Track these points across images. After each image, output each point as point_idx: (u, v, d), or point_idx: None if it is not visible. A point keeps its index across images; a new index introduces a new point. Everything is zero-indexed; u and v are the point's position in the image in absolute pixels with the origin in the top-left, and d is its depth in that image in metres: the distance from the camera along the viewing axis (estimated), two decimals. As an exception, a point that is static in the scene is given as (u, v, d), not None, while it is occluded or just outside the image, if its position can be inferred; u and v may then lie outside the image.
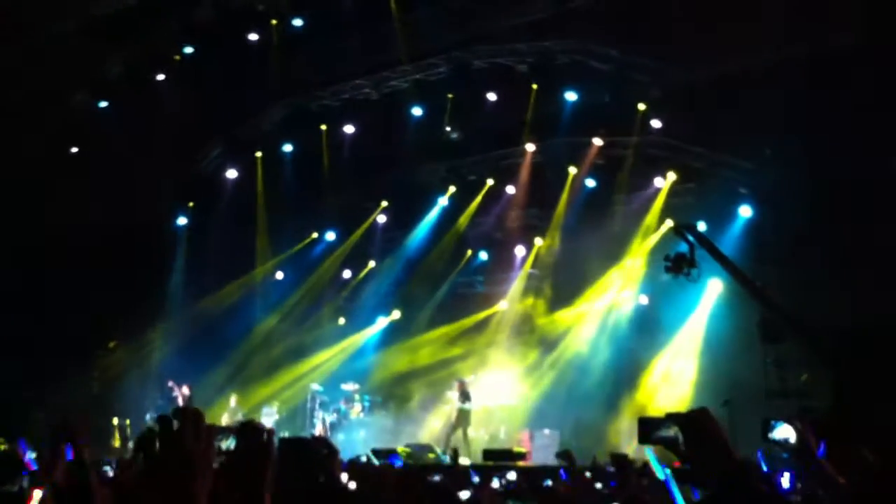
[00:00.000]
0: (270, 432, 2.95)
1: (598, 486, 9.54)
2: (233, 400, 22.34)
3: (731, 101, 18.67)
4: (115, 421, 21.65)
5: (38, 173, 20.22)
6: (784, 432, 3.49)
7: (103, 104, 22.52)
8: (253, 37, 22.49)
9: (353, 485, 6.10)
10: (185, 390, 21.73)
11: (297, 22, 22.37)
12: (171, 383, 21.82)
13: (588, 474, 10.34)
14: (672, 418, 2.95)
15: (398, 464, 15.34)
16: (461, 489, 6.37)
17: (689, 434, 2.86)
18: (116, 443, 21.46)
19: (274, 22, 22.37)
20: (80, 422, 4.56)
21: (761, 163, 19.70)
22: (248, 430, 2.95)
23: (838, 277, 17.21)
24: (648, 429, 3.04)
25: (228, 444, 2.96)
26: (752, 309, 18.26)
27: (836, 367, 15.41)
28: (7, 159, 19.40)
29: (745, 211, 20.53)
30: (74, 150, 22.48)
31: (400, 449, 17.91)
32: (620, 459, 11.59)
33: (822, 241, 18.11)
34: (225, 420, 21.19)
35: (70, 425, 4.46)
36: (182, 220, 25.58)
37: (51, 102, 21.09)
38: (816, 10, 17.02)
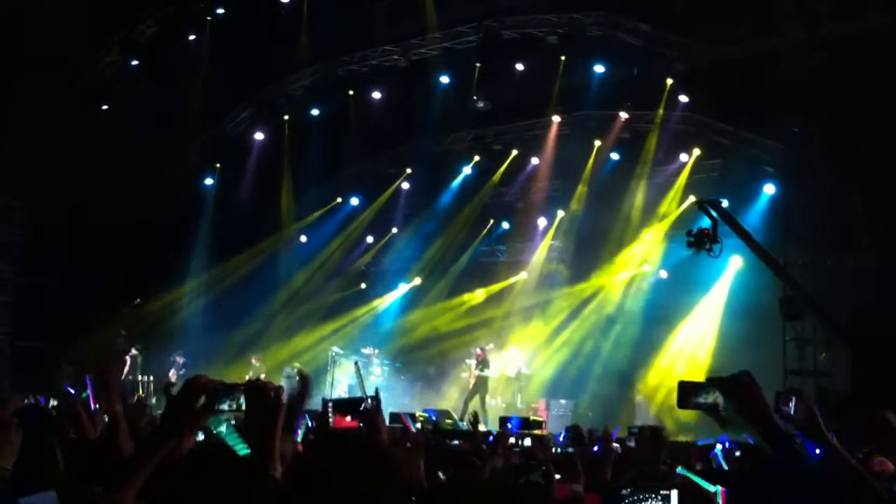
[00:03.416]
0: (279, 390, 3.04)
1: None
2: (254, 359, 22.60)
3: (758, 79, 18.62)
4: (140, 377, 21.97)
5: (69, 130, 20.39)
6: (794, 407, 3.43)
7: (135, 62, 22.61)
8: (284, 0, 22.53)
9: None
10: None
11: (328, -13, 22.38)
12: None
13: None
14: (714, 382, 2.91)
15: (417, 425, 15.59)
16: (478, 455, 6.51)
17: (732, 398, 2.85)
18: (140, 397, 21.78)
19: (305, -14, 22.43)
20: (110, 368, 4.70)
21: (787, 141, 19.64)
22: (255, 390, 3.06)
23: (861, 258, 17.24)
24: (688, 394, 2.96)
25: (240, 402, 3.05)
26: (772, 287, 18.29)
27: (855, 347, 15.50)
28: (39, 115, 19.58)
29: (770, 189, 20.47)
30: (105, 107, 22.61)
31: (418, 414, 18.11)
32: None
33: (845, 221, 18.11)
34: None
35: (101, 371, 4.59)
36: (209, 181, 25.75)
37: (84, 60, 21.25)
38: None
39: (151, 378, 22.11)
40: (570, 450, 10.32)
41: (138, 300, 23.44)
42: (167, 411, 3.11)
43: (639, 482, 5.03)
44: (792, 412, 3.00)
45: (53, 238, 21.03)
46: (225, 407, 3.04)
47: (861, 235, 17.50)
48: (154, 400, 21.39)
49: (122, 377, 19.82)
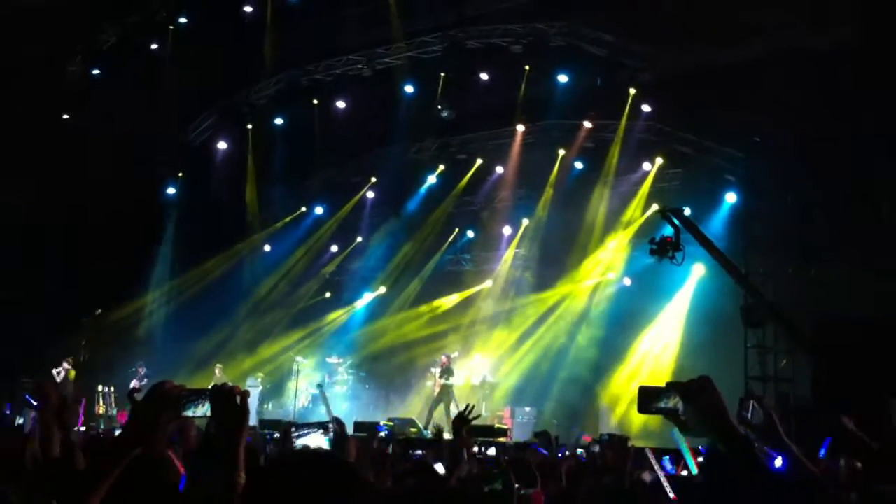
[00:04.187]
0: (244, 395, 3.00)
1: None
2: (218, 370, 22.43)
3: (721, 88, 18.80)
4: (100, 388, 21.72)
5: (30, 139, 20.17)
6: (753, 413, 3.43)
7: (97, 72, 22.42)
8: (248, 9, 22.46)
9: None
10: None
11: (292, -5, 22.37)
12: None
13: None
14: (674, 387, 2.93)
15: (384, 432, 15.60)
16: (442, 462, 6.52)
17: (690, 403, 2.86)
18: (101, 409, 21.55)
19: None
20: (52, 390, 4.61)
21: (749, 151, 19.87)
22: (221, 395, 3.03)
23: (821, 267, 17.45)
24: (648, 399, 2.99)
25: (204, 409, 3.01)
26: (734, 294, 18.50)
27: (816, 354, 15.67)
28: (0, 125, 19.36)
29: (731, 197, 20.69)
30: (66, 116, 22.40)
31: (382, 423, 18.13)
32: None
33: (806, 230, 18.34)
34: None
35: (40, 391, 4.52)
36: (172, 190, 25.57)
37: (46, 69, 21.04)
38: (811, 3, 17.17)
39: (113, 389, 21.87)
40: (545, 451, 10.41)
41: (99, 310, 23.20)
42: (131, 418, 3.07)
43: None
44: (750, 417, 3.03)
45: (13, 248, 20.75)
46: (189, 413, 3.01)
47: (822, 243, 17.71)
48: (115, 411, 21.19)
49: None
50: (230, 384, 3.03)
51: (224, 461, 2.90)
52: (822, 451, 6.71)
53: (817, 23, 17.00)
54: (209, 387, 3.04)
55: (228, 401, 2.96)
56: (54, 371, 20.87)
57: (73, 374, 21.18)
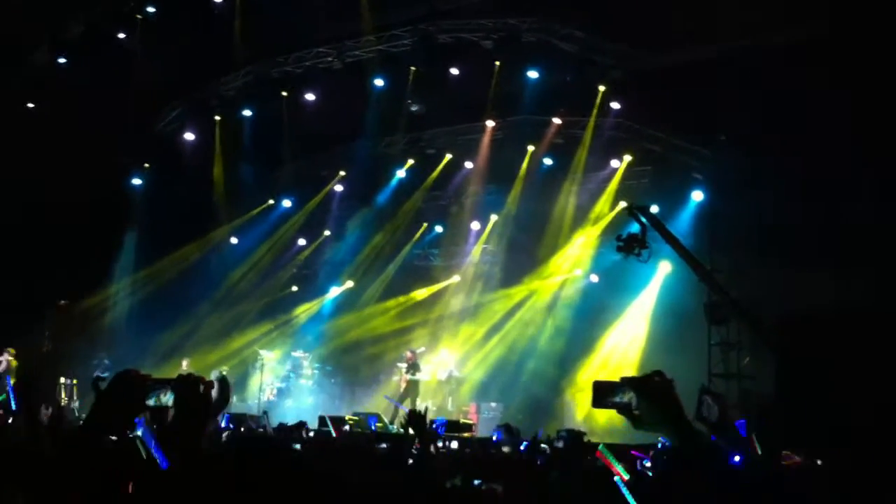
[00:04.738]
0: (208, 385, 2.99)
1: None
2: (184, 363, 22.25)
3: (690, 86, 18.89)
4: (63, 379, 21.49)
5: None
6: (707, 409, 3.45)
7: (62, 61, 22.14)
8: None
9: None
10: (6, 356, 20.62)
11: (262, -14, 22.15)
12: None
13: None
14: (628, 382, 2.94)
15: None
16: (408, 457, 6.53)
17: (644, 397, 2.87)
18: (63, 401, 21.32)
19: (238, -15, 22.16)
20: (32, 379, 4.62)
21: (716, 149, 20.01)
22: (185, 384, 2.98)
23: (785, 265, 17.60)
24: (603, 393, 2.99)
25: (167, 399, 2.98)
26: (699, 292, 18.66)
27: (779, 352, 15.82)
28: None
29: (698, 195, 20.84)
30: (31, 105, 22.12)
31: (347, 417, 18.05)
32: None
33: (771, 228, 18.48)
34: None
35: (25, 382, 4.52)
36: (137, 181, 25.32)
37: (10, 58, 20.75)
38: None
39: (75, 381, 21.65)
40: (505, 449, 10.44)
41: (63, 301, 22.95)
42: (96, 407, 3.02)
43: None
44: (705, 413, 3.04)
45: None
46: (152, 402, 2.98)
47: (786, 242, 17.86)
48: (77, 403, 20.98)
49: None
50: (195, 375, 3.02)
51: (183, 450, 2.88)
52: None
53: (786, 18, 17.12)
54: (174, 377, 3.02)
55: (193, 391, 2.94)
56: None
57: (14, 363, 20.78)
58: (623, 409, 2.94)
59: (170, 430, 3.14)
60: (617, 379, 3.00)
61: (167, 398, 2.98)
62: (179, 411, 2.97)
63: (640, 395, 2.89)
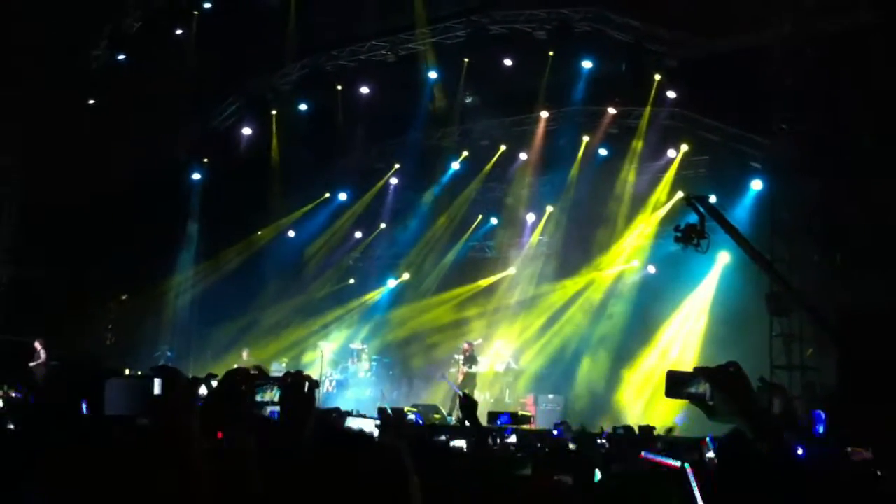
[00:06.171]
0: (313, 383, 3.05)
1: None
2: (245, 353, 22.53)
3: (747, 74, 18.64)
4: (127, 372, 21.84)
5: (57, 124, 20.25)
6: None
7: (122, 57, 22.49)
8: (271, -6, 22.47)
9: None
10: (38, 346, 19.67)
11: (317, -19, 22.32)
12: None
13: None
14: (702, 372, 2.92)
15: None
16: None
17: (719, 388, 2.86)
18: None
19: (294, -20, 22.34)
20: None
21: (775, 137, 19.69)
22: (293, 383, 3.05)
23: (847, 255, 17.30)
24: (677, 383, 2.98)
25: (273, 395, 3.07)
26: (760, 282, 18.37)
27: (842, 344, 15.55)
28: (28, 109, 19.46)
29: (757, 185, 20.50)
30: (91, 101, 22.49)
31: (406, 409, 18.12)
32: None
33: (832, 218, 18.17)
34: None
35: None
36: (197, 175, 25.65)
37: (71, 54, 21.12)
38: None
39: (140, 373, 21.96)
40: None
41: (125, 296, 23.35)
42: (209, 403, 3.11)
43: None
44: (767, 406, 3.01)
45: (40, 232, 20.90)
46: (258, 398, 3.08)
47: (848, 230, 17.55)
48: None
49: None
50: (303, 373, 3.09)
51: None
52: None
53: (842, 5, 16.82)
54: (279, 374, 3.10)
55: (299, 389, 3.01)
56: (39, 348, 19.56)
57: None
58: (697, 399, 2.93)
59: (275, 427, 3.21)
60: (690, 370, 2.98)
61: (272, 394, 3.09)
62: (285, 408, 3.04)
63: (715, 386, 2.88)
